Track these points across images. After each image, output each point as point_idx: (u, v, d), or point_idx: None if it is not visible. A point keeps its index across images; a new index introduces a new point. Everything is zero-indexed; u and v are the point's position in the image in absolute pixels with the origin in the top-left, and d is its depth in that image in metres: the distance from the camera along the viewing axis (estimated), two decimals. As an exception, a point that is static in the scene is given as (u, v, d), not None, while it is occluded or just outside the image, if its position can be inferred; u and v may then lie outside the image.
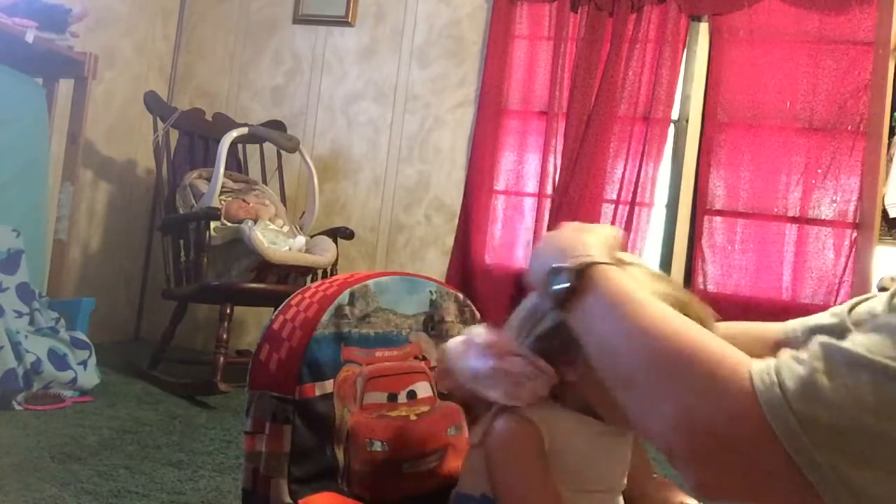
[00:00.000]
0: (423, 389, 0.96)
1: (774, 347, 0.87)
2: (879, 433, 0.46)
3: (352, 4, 3.57)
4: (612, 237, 0.75)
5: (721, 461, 0.51)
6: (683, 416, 0.52)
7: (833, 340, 0.51)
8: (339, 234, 3.09)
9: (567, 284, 0.65)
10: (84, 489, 1.55)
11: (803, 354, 0.51)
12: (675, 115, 3.25)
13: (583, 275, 0.65)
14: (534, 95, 3.33)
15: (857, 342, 0.50)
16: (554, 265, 0.68)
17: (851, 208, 2.99)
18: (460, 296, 1.05)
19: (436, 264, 3.41)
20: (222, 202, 2.92)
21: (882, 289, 2.89)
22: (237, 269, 2.77)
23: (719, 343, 0.55)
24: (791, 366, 0.50)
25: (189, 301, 2.93)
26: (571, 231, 0.75)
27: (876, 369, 0.47)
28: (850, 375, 0.48)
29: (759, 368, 0.51)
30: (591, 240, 0.71)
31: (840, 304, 2.71)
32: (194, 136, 3.20)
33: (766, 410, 0.49)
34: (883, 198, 2.79)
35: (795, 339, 0.85)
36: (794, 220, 3.06)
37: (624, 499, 0.84)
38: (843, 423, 0.46)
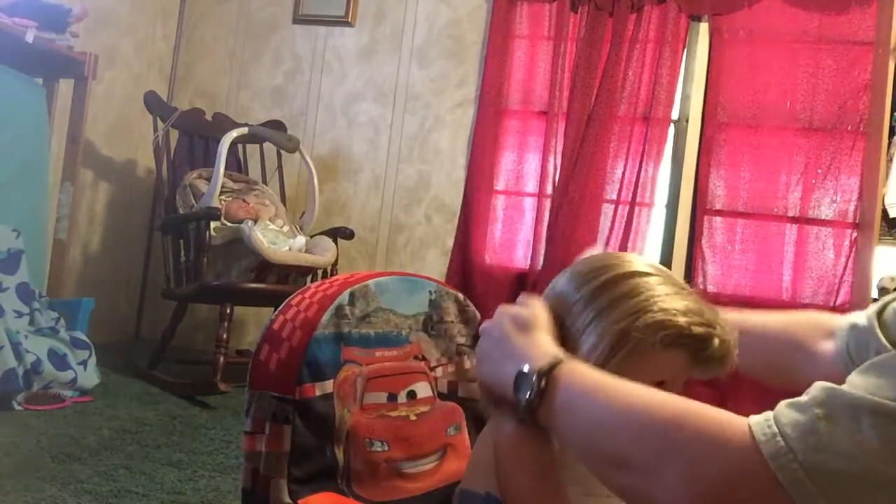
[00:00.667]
0: (423, 389, 0.97)
1: (827, 335, 0.87)
2: (886, 477, 0.45)
3: (352, 4, 3.57)
4: (545, 316, 0.76)
5: None
6: (688, 480, 0.52)
7: (832, 385, 0.50)
8: (339, 234, 3.09)
9: (535, 390, 0.65)
10: (84, 489, 1.55)
11: (802, 399, 0.51)
12: (675, 115, 3.24)
13: (549, 376, 0.65)
14: (534, 95, 3.33)
15: (855, 384, 0.50)
16: (519, 371, 0.68)
17: (851, 208, 2.99)
18: (460, 296, 1.05)
19: (436, 264, 3.41)
20: (222, 202, 2.92)
21: (882, 289, 2.89)
22: (237, 269, 2.77)
23: (705, 406, 0.55)
24: (790, 414, 0.50)
25: (189, 301, 2.93)
26: (513, 327, 0.75)
27: (876, 411, 0.47)
28: (852, 420, 0.47)
29: (758, 421, 0.51)
30: (539, 337, 0.72)
31: (841, 303, 2.74)
32: (194, 136, 3.20)
33: (771, 462, 0.48)
34: (883, 198, 2.79)
35: (841, 336, 0.85)
36: (794, 220, 3.06)
37: None
38: (849, 470, 0.46)
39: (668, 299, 0.74)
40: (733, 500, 0.50)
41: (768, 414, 0.51)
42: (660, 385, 0.73)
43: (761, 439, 0.49)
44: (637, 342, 0.72)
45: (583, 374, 0.65)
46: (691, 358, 0.74)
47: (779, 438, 0.49)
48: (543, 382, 0.65)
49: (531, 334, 0.73)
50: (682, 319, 0.72)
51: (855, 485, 0.46)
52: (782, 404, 0.52)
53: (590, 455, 0.62)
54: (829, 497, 0.46)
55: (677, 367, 0.75)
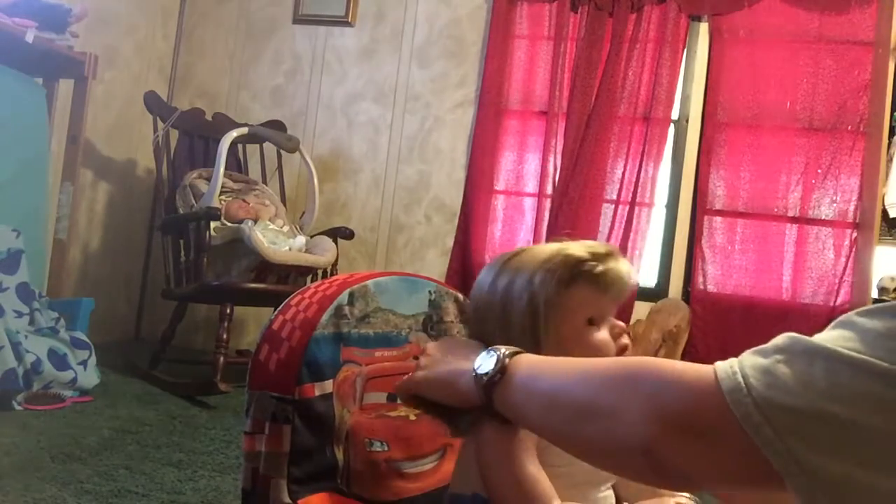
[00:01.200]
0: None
1: None
2: (830, 416, 0.48)
3: (352, 4, 3.57)
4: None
5: (691, 450, 0.53)
6: (650, 413, 0.55)
7: (796, 334, 0.53)
8: (339, 234, 3.09)
9: (499, 365, 0.69)
10: (84, 489, 1.55)
11: (766, 346, 0.54)
12: (675, 115, 3.25)
13: (513, 358, 0.70)
14: (534, 95, 3.33)
15: (818, 336, 0.53)
16: (486, 351, 0.72)
17: (851, 208, 2.99)
18: (460, 296, 1.05)
19: (436, 264, 3.41)
20: (222, 202, 2.92)
21: (882, 289, 2.89)
22: (237, 269, 2.77)
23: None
24: (752, 358, 0.53)
25: (189, 301, 2.93)
26: (464, 344, 0.80)
27: (830, 356, 0.50)
28: (807, 363, 0.50)
29: (722, 364, 0.54)
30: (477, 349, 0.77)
31: (840, 304, 2.75)
32: (194, 136, 3.20)
33: (728, 397, 0.52)
34: (883, 198, 2.79)
35: None
36: (794, 220, 3.06)
37: (616, 495, 0.84)
38: (797, 407, 0.49)
39: (544, 251, 0.80)
40: (692, 432, 0.53)
41: (733, 359, 0.55)
42: (590, 325, 0.79)
43: (722, 377, 0.53)
44: (544, 300, 0.77)
45: (542, 358, 0.70)
46: (594, 284, 0.79)
47: (739, 377, 0.52)
48: (507, 360, 0.69)
49: (473, 347, 0.78)
50: (559, 258, 0.78)
51: (801, 422, 0.49)
52: (748, 351, 0.55)
53: (552, 416, 0.64)
54: (779, 432, 0.49)
55: (592, 297, 0.79)
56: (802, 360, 0.51)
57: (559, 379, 0.64)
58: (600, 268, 0.78)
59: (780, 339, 0.54)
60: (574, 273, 0.78)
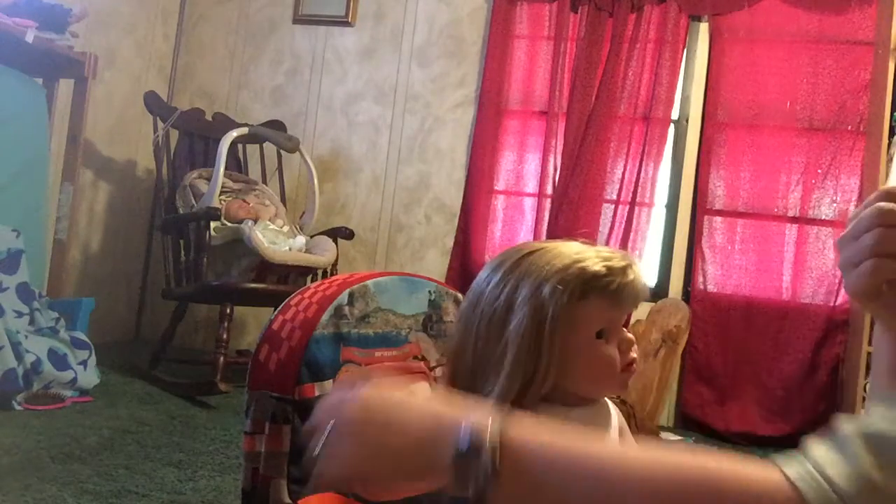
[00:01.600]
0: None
1: None
2: None
3: (352, 4, 3.57)
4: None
5: None
6: None
7: (869, 427, 0.47)
8: (339, 234, 3.09)
9: (489, 471, 0.49)
10: (84, 489, 1.55)
11: (840, 442, 0.47)
12: (675, 115, 3.24)
13: (502, 446, 0.49)
14: (534, 95, 3.33)
15: (875, 419, 0.47)
16: (456, 451, 0.50)
17: (851, 208, 2.98)
18: (460, 296, 1.05)
19: (436, 264, 3.41)
20: (222, 202, 2.93)
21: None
22: (237, 269, 2.78)
23: (719, 460, 0.48)
24: (834, 462, 0.46)
25: (189, 301, 2.93)
26: (388, 396, 0.57)
27: None
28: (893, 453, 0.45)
29: (795, 470, 0.46)
30: (436, 404, 0.55)
31: (840, 304, 2.75)
32: (194, 136, 3.20)
33: None
34: (883, 198, 2.79)
35: None
36: (794, 220, 3.06)
37: None
38: None
39: (558, 258, 0.76)
40: None
41: (803, 462, 0.47)
42: (598, 338, 0.75)
43: (807, 491, 0.45)
44: (552, 312, 0.73)
45: (546, 443, 0.51)
46: (608, 299, 0.76)
47: (829, 491, 0.44)
48: (497, 452, 0.49)
49: (430, 400, 0.56)
50: (574, 269, 0.75)
51: None
52: (818, 447, 0.47)
53: None
54: None
55: (604, 311, 0.76)
56: (888, 450, 0.44)
57: (589, 485, 0.49)
58: (616, 283, 0.76)
59: (859, 436, 0.46)
60: (588, 287, 0.75)
